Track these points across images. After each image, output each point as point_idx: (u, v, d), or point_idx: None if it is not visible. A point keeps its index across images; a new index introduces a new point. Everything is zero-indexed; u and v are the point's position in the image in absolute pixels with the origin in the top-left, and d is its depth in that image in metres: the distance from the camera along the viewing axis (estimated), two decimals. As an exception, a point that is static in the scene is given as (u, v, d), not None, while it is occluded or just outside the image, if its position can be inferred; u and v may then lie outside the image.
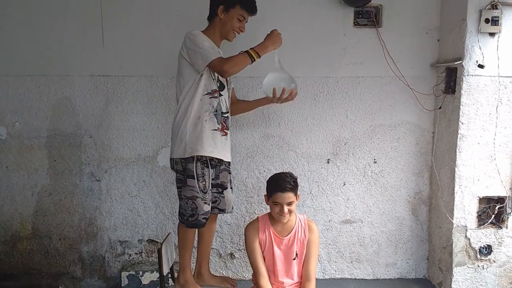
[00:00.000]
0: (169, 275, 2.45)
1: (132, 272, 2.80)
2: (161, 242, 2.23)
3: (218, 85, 2.34)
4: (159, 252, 2.15)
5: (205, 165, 2.29)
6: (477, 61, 2.51)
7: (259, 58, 2.26)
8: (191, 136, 2.25)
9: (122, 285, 2.80)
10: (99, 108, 2.81)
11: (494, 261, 2.67)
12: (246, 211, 2.92)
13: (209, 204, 2.32)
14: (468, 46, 2.50)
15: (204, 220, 2.31)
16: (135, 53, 2.77)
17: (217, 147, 2.30)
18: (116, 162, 2.86)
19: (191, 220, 2.30)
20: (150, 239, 2.94)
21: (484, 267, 2.68)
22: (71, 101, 2.80)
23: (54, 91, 2.79)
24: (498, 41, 2.50)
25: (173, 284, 2.46)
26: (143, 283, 2.80)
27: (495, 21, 2.45)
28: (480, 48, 2.50)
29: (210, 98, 2.28)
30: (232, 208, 2.55)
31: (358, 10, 2.76)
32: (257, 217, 2.26)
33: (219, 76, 2.33)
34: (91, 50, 2.75)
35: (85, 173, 2.86)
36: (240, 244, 2.94)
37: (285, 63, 2.79)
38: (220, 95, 2.33)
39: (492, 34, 2.49)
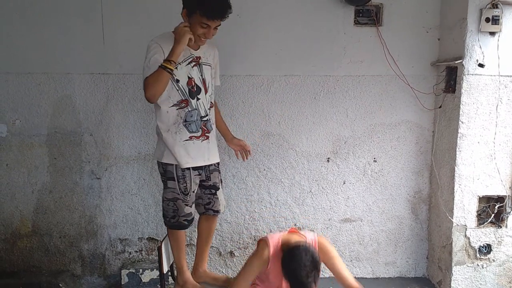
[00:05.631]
0: (169, 273, 2.46)
1: (132, 270, 2.81)
2: (161, 240, 2.24)
3: (193, 90, 2.18)
4: (159, 250, 2.16)
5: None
6: (477, 60, 2.51)
7: (175, 64, 2.06)
8: (169, 146, 2.18)
9: (122, 283, 2.81)
10: (100, 106, 2.81)
11: (493, 260, 2.67)
12: (246, 209, 2.92)
13: (191, 206, 2.26)
14: (468, 45, 2.50)
15: (186, 222, 2.25)
16: (135, 51, 2.75)
17: (192, 156, 2.19)
18: (116, 160, 2.86)
19: (173, 221, 2.25)
20: (150, 237, 2.94)
21: (484, 266, 2.68)
22: (71, 99, 2.80)
23: (55, 89, 2.79)
24: (498, 40, 2.50)
25: (173, 282, 2.47)
26: (143, 281, 2.80)
27: (495, 20, 2.45)
28: (480, 47, 2.50)
29: (177, 109, 2.16)
30: (224, 207, 2.47)
31: (358, 9, 2.76)
32: (267, 251, 1.96)
33: (195, 80, 2.18)
34: (91, 48, 2.75)
35: (85, 171, 2.86)
36: (240, 243, 2.94)
37: (286, 61, 2.80)
38: (198, 99, 2.18)
39: (492, 33, 2.50)
